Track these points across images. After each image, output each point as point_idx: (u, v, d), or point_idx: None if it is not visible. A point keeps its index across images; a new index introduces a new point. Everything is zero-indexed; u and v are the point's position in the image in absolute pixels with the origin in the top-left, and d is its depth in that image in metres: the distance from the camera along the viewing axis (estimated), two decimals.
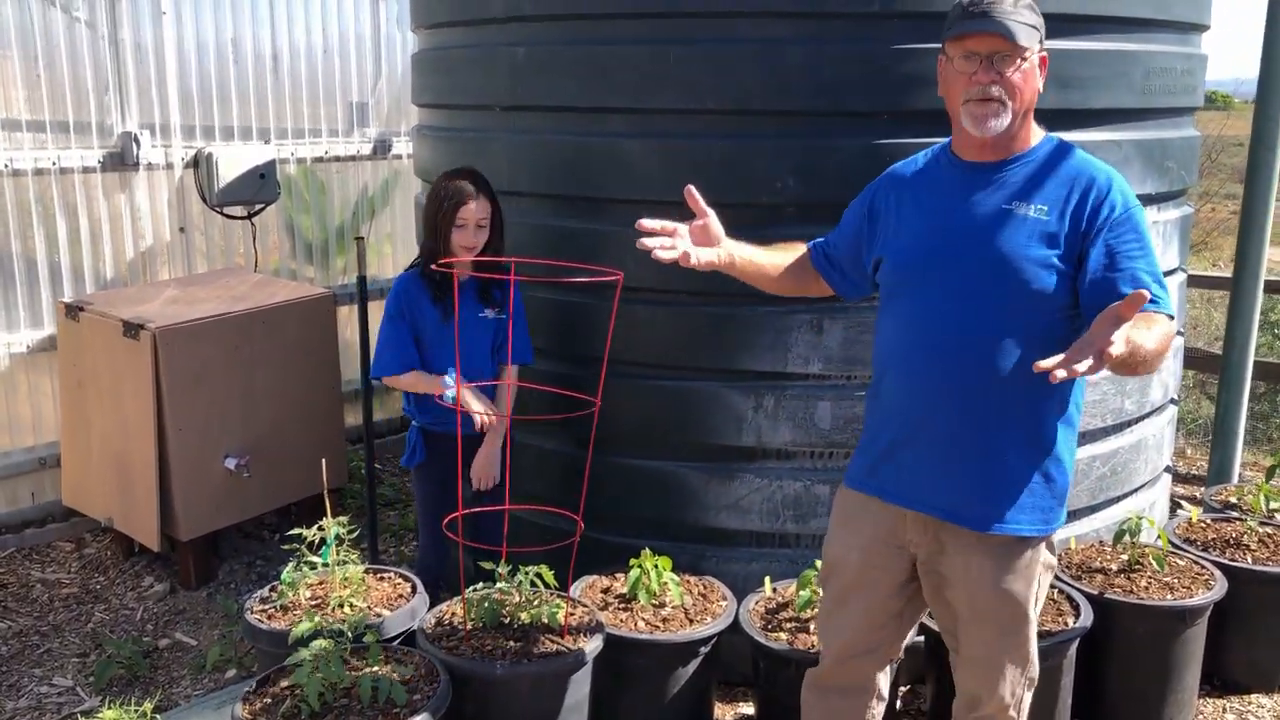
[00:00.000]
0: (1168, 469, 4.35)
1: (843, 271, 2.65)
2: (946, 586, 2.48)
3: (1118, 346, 1.94)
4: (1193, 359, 5.51)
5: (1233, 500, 4.06)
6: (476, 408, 3.29)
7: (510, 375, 3.49)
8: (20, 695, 3.67)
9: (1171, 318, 2.22)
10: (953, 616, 2.53)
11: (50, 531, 4.76)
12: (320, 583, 3.22)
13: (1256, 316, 4.61)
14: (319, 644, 2.62)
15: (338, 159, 5.75)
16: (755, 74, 3.30)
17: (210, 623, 4.13)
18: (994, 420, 2.36)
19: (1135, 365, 2.10)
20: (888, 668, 2.77)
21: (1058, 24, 3.35)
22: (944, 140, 2.49)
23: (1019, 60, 2.27)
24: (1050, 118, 3.36)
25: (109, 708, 3.44)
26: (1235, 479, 4.84)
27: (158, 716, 3.45)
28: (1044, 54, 2.33)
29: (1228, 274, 4.82)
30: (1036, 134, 2.41)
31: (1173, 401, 4.34)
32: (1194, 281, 5.83)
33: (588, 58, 3.49)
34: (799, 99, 3.31)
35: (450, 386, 3.22)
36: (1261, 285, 4.53)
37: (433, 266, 3.18)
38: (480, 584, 3.07)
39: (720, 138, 3.38)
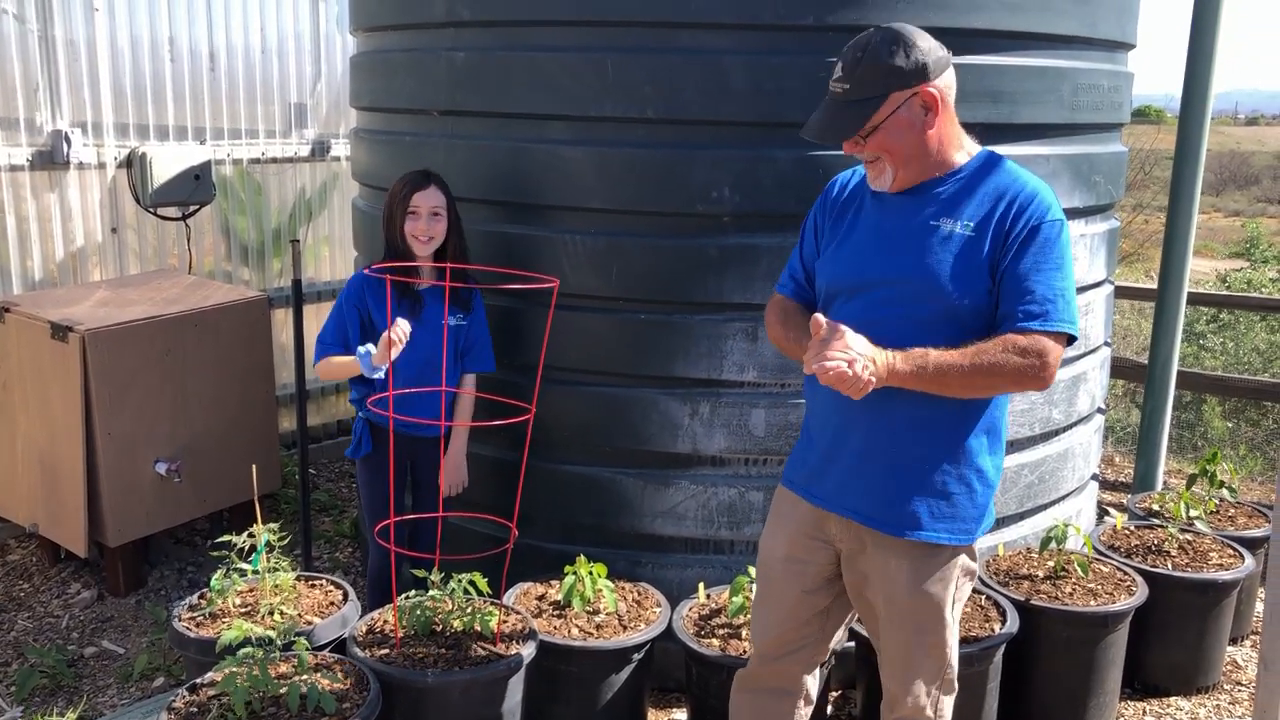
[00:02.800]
0: (1094, 477, 4.44)
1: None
2: (866, 585, 2.52)
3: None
4: (1121, 369, 5.64)
5: (1155, 508, 4.16)
6: (392, 339, 3.08)
7: (464, 383, 3.48)
8: None
9: (1067, 336, 2.30)
10: (874, 616, 2.57)
11: None
12: (250, 590, 3.18)
13: (1180, 328, 4.73)
14: (246, 651, 2.59)
15: (275, 160, 5.69)
16: (694, 84, 3.33)
17: (139, 630, 4.06)
18: (914, 432, 2.41)
19: (930, 383, 2.28)
20: (816, 671, 2.80)
21: (990, 40, 3.45)
22: None
23: (869, 134, 2.33)
24: (981, 131, 3.43)
25: (31, 718, 3.38)
26: (1159, 486, 4.97)
27: None
28: (931, 91, 2.31)
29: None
30: (967, 151, 2.43)
31: (1100, 410, 4.43)
32: (1124, 293, 5.98)
33: (527, 64, 3.49)
34: (737, 109, 3.33)
35: (365, 356, 3.13)
36: (1184, 298, 4.65)
37: (371, 268, 3.17)
38: (413, 591, 3.06)
39: (659, 147, 3.40)
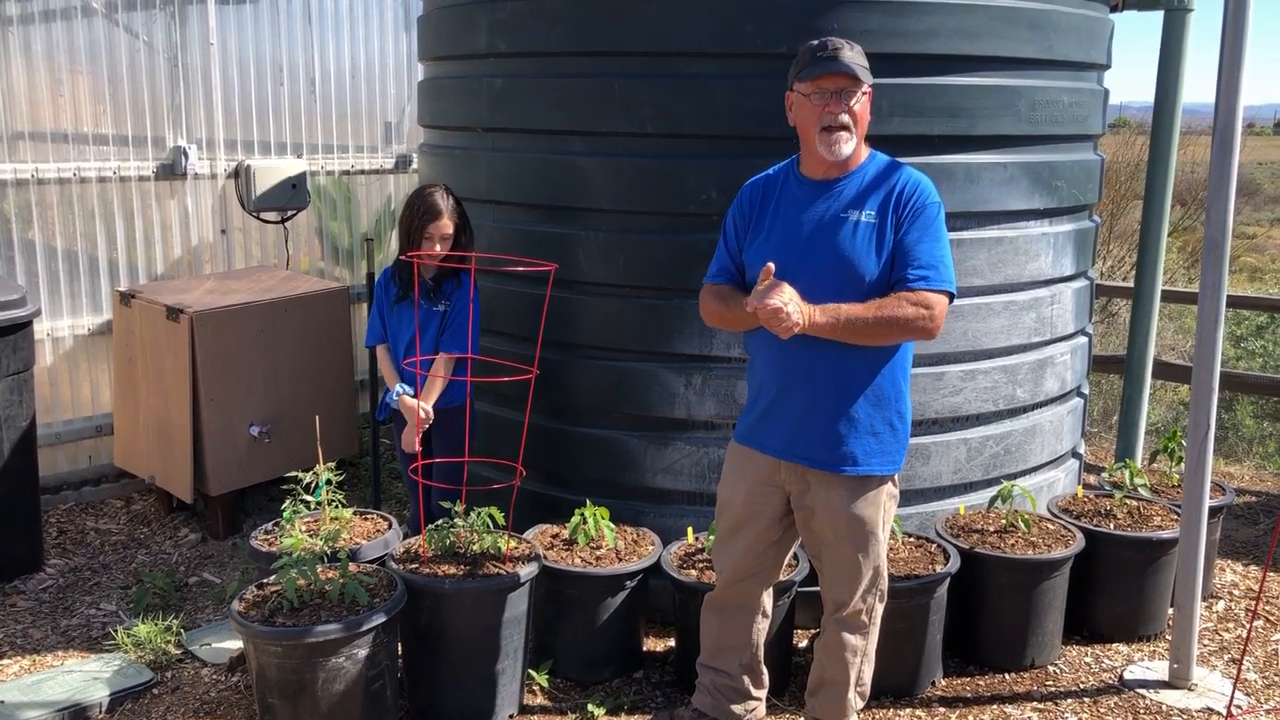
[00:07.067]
0: (1075, 454, 4.87)
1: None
2: (813, 517, 3.11)
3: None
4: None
5: (1119, 480, 4.57)
6: (410, 425, 4.00)
7: (442, 361, 4.03)
8: (73, 615, 4.38)
9: (948, 294, 2.88)
10: (818, 542, 3.16)
11: (104, 490, 5.52)
12: (315, 520, 3.88)
13: (1155, 324, 5.14)
14: (299, 554, 3.28)
15: (364, 172, 6.48)
16: (686, 104, 3.94)
17: (233, 565, 4.83)
18: (842, 386, 2.99)
19: (842, 332, 2.85)
20: (770, 590, 3.39)
21: (949, 63, 3.98)
22: (789, 159, 3.12)
23: (859, 94, 2.90)
24: (940, 142, 3.99)
25: (143, 623, 4.15)
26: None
27: (182, 631, 4.15)
28: (869, 90, 2.96)
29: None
30: (865, 152, 3.04)
31: (1080, 395, 4.86)
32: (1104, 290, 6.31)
33: (551, 88, 4.15)
34: (722, 125, 3.93)
35: (397, 394, 3.99)
36: (1158, 296, 5.06)
37: (401, 258, 3.87)
38: (441, 520, 3.71)
39: (657, 157, 4.01)
